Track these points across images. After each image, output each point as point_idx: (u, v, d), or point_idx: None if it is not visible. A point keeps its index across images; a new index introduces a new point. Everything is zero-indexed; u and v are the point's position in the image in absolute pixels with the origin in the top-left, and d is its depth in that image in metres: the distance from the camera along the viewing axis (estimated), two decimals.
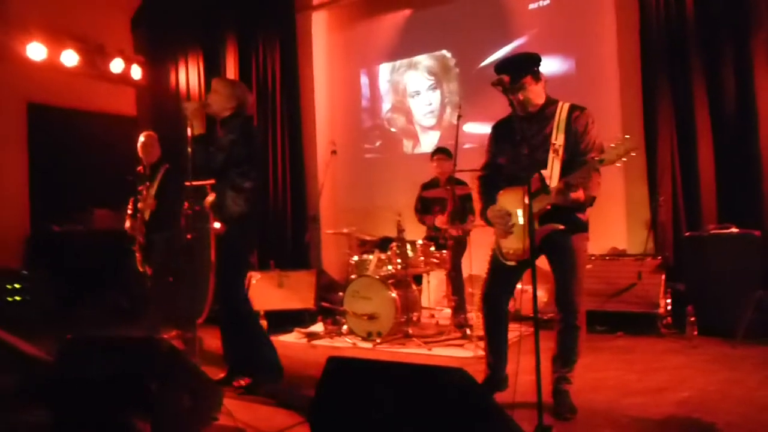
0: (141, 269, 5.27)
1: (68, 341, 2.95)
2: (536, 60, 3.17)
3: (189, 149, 3.79)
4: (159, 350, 2.75)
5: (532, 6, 6.40)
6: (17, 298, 6.76)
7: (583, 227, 3.17)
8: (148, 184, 5.26)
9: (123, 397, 2.62)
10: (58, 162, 7.68)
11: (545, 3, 6.32)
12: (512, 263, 3.22)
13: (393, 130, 7.48)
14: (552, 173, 3.07)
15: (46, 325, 6.29)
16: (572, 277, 3.13)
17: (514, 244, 3.18)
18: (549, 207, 3.04)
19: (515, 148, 3.18)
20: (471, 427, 1.90)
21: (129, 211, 5.37)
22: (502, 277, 3.33)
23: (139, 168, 5.39)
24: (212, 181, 6.04)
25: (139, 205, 5.21)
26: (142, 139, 5.38)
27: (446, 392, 2.03)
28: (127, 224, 5.31)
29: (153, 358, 2.73)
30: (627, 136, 2.82)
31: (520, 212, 3.16)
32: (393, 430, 2.00)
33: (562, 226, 3.09)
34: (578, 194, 3.00)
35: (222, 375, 3.85)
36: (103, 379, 2.72)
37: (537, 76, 3.13)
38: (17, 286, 6.78)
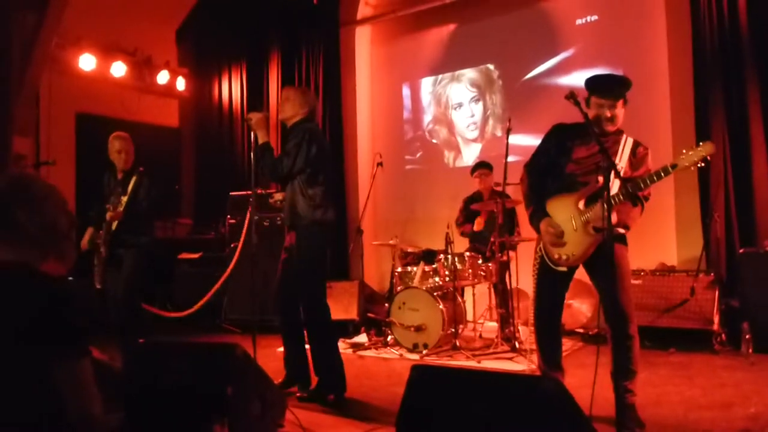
0: (99, 286, 4.61)
1: (142, 346, 2.99)
2: (630, 85, 3.21)
3: (254, 159, 3.84)
4: (234, 355, 2.77)
5: (579, 21, 6.42)
6: None
7: (623, 238, 3.21)
8: (119, 190, 4.60)
9: (202, 402, 2.65)
10: (104, 171, 7.83)
11: (593, 18, 6.34)
12: (563, 269, 3.23)
13: (435, 141, 7.51)
14: (611, 185, 3.08)
15: (92, 331, 6.39)
16: (622, 286, 3.11)
17: (568, 250, 3.18)
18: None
19: (588, 160, 3.18)
20: None
21: (91, 221, 4.71)
22: (552, 288, 3.32)
23: (119, 175, 4.74)
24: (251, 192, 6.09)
25: (108, 215, 4.52)
26: (112, 141, 4.74)
27: (537, 401, 2.02)
28: (86, 237, 4.64)
29: (228, 363, 2.76)
30: (701, 143, 2.84)
31: (571, 218, 3.16)
32: None
33: (623, 230, 3.14)
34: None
35: (280, 380, 3.89)
36: (179, 384, 2.74)
37: (626, 101, 3.20)
38: None
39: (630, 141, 3.23)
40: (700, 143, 2.87)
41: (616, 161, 3.14)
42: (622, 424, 3.04)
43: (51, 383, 1.67)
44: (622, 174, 3.14)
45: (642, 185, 2.99)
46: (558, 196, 3.24)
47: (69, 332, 1.72)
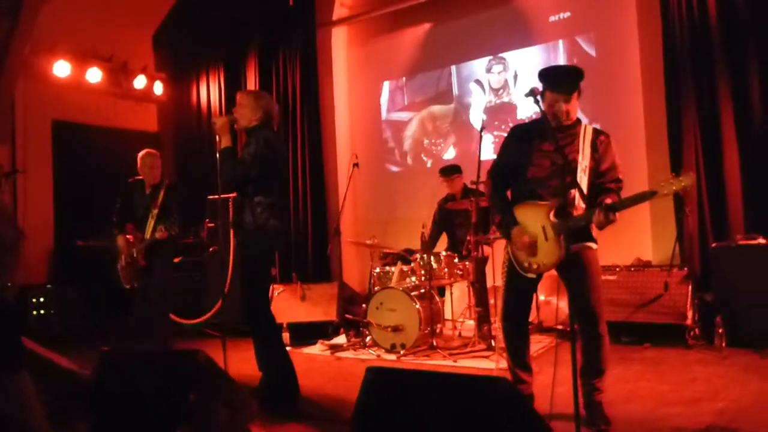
0: (127, 286, 5.05)
1: (106, 354, 2.97)
2: (583, 76, 3.19)
3: (217, 163, 3.81)
4: (197, 362, 2.76)
5: (552, 18, 6.44)
6: (42, 311, 6.83)
7: (593, 238, 3.20)
8: (151, 203, 5.02)
9: (164, 409, 2.64)
10: (81, 178, 7.80)
11: (566, 15, 6.37)
12: (532, 276, 3.23)
13: (413, 141, 7.50)
14: (579, 194, 3.09)
15: (69, 339, 6.37)
16: (591, 286, 3.13)
17: (539, 259, 3.16)
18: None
19: (546, 159, 3.17)
20: None
21: (116, 228, 5.10)
22: (520, 291, 3.32)
23: (130, 179, 5.16)
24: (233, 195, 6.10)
25: (158, 234, 4.81)
26: (145, 157, 5.07)
27: (490, 402, 2.02)
28: (121, 241, 5.03)
29: (191, 369, 2.75)
30: (683, 175, 2.82)
31: (542, 228, 3.13)
32: None
33: (595, 246, 3.16)
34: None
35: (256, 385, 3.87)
36: (143, 391, 2.73)
37: (580, 92, 3.18)
38: (42, 299, 6.85)
39: (589, 131, 3.20)
40: (681, 175, 2.83)
41: (579, 159, 3.12)
42: (588, 422, 3.05)
43: None
44: (587, 171, 3.14)
45: (618, 208, 2.95)
46: (527, 203, 3.21)
47: (4, 349, 1.70)
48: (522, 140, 3.28)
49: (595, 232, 3.17)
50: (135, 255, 4.94)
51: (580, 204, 3.08)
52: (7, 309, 1.68)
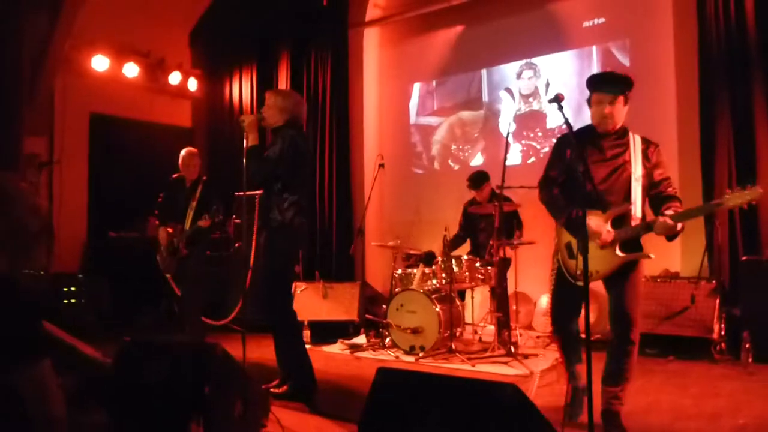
0: (168, 274, 5.41)
1: (126, 344, 3.03)
2: (631, 84, 3.17)
3: (244, 161, 3.87)
4: (214, 355, 2.81)
5: (586, 23, 6.36)
6: (73, 300, 7.00)
7: (642, 248, 3.14)
8: (190, 196, 5.37)
9: (179, 400, 2.69)
10: (115, 170, 7.99)
11: (600, 21, 6.28)
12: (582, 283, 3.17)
13: (441, 144, 7.48)
14: (636, 202, 3.06)
15: (100, 328, 6.52)
16: (630, 291, 3.08)
17: (592, 267, 3.01)
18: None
19: (600, 169, 3.12)
20: None
21: (159, 221, 5.47)
22: (568, 297, 3.27)
23: (174, 175, 5.55)
24: (259, 192, 6.22)
25: (201, 223, 5.15)
26: (186, 156, 5.44)
27: (497, 407, 2.02)
28: (162, 233, 5.36)
29: (208, 362, 2.79)
30: (749, 186, 2.79)
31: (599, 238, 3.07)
32: None
33: (652, 255, 3.09)
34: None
35: (276, 381, 3.92)
36: (159, 382, 2.78)
37: (627, 100, 3.15)
38: (73, 289, 7.02)
39: (639, 141, 3.18)
40: (748, 186, 2.79)
41: (632, 168, 3.10)
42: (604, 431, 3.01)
43: (11, 387, 1.70)
44: (641, 180, 3.10)
45: (682, 218, 2.92)
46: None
47: (26, 337, 1.75)
48: (572, 149, 3.19)
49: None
50: (176, 244, 5.25)
51: (636, 214, 3.06)
52: (29, 296, 1.72)
